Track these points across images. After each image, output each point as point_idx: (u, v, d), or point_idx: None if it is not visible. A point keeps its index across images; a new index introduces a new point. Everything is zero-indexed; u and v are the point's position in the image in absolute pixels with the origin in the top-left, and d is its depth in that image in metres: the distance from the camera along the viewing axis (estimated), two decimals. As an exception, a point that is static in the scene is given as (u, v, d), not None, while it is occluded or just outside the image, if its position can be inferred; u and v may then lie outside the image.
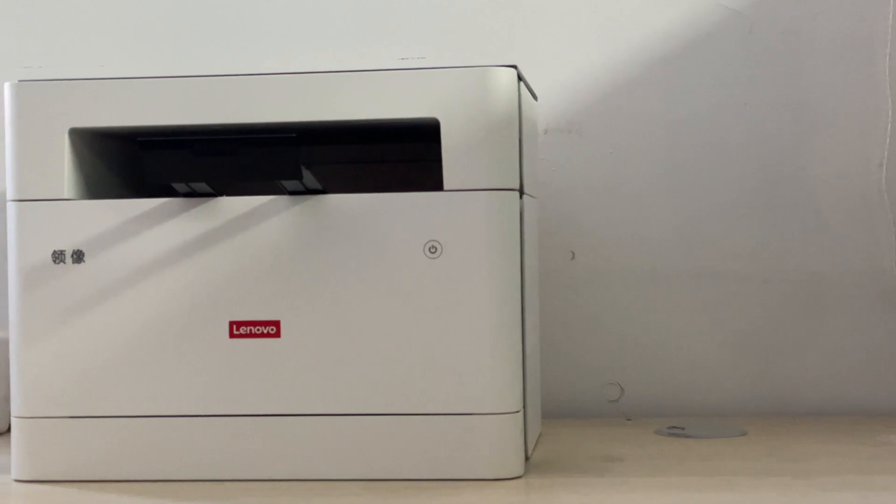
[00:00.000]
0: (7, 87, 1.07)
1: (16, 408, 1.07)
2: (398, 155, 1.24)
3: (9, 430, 1.19)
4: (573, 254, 1.39)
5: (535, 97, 1.21)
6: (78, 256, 1.06)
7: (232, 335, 1.04)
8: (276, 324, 1.04)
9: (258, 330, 1.04)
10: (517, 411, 1.05)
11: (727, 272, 1.38)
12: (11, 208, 1.07)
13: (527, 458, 1.09)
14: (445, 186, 1.03)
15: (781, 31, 1.38)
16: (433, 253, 1.03)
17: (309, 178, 1.03)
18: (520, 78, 1.06)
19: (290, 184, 1.04)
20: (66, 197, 1.06)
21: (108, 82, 1.06)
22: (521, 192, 1.07)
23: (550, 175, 1.38)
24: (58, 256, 1.06)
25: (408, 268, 1.03)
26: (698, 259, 1.38)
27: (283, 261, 1.04)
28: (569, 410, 1.37)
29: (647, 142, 1.39)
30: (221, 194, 1.05)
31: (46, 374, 1.06)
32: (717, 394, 1.38)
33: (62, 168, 1.06)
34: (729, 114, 1.38)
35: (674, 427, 1.28)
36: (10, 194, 1.07)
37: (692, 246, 1.38)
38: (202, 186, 1.04)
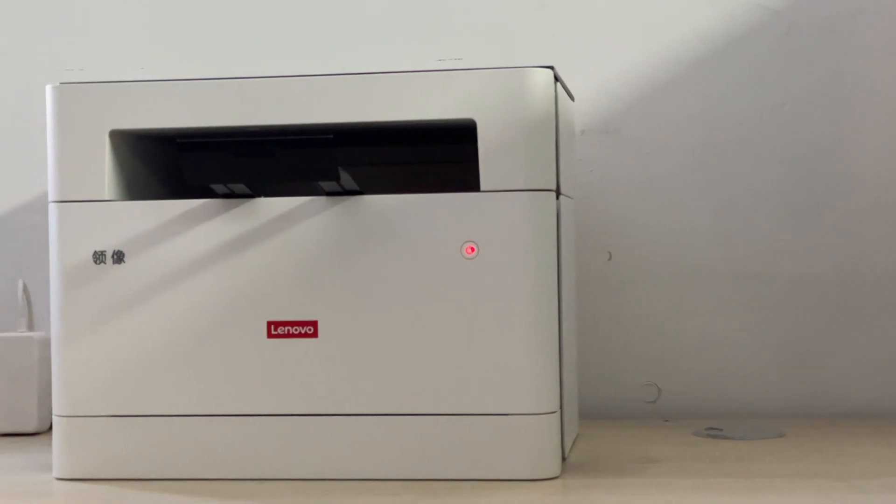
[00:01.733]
0: (49, 89, 1.08)
1: (57, 407, 1.08)
2: (435, 156, 1.24)
3: (50, 428, 1.20)
4: (610, 254, 1.39)
5: (572, 98, 1.21)
6: (118, 257, 1.07)
7: (270, 335, 1.05)
8: (314, 324, 1.05)
9: (296, 330, 1.05)
10: (554, 412, 1.05)
11: (765, 273, 1.37)
12: (53, 209, 1.08)
13: (563, 459, 1.09)
14: (482, 187, 1.03)
15: (820, 30, 1.37)
16: (470, 254, 1.03)
17: (346, 178, 1.04)
18: (556, 79, 1.06)
19: (327, 185, 1.04)
20: (106, 198, 1.07)
21: (147, 84, 1.07)
22: (558, 193, 1.07)
23: (587, 176, 1.38)
24: (98, 257, 1.07)
25: (444, 268, 1.03)
26: (736, 260, 1.38)
27: (321, 261, 1.04)
28: (606, 411, 1.37)
29: (684, 142, 1.39)
30: (259, 195, 1.06)
31: (87, 374, 1.07)
32: (756, 395, 1.37)
33: (103, 169, 1.07)
34: (767, 114, 1.38)
35: (712, 428, 1.28)
36: (51, 195, 1.08)
37: (730, 247, 1.38)
38: (240, 187, 1.05)
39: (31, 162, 1.42)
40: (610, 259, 1.39)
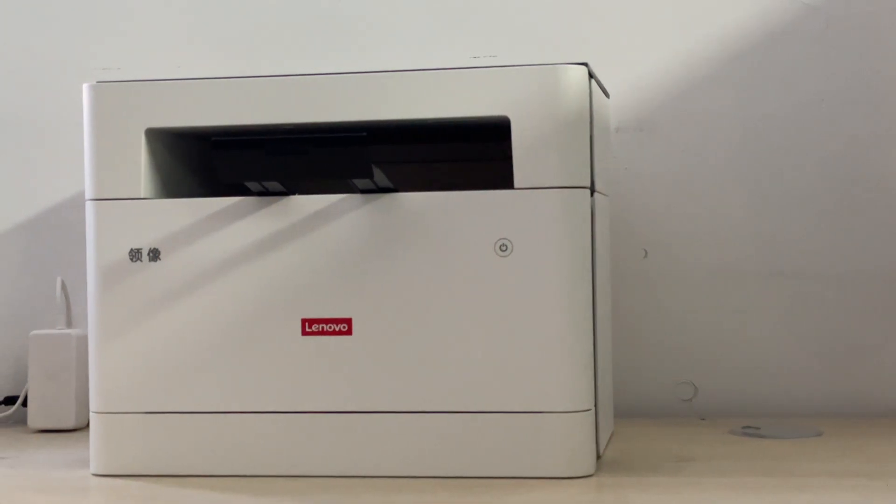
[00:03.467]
0: (86, 88, 1.09)
1: (94, 403, 1.09)
2: (469, 153, 1.24)
3: (88, 425, 1.21)
4: (646, 252, 1.38)
5: (606, 95, 1.21)
6: (154, 254, 1.07)
7: (304, 333, 1.05)
8: (348, 321, 1.05)
9: (330, 327, 1.05)
10: (588, 410, 1.04)
11: (803, 271, 1.36)
12: (90, 207, 1.09)
13: (598, 457, 1.08)
14: (516, 185, 1.03)
15: (858, 26, 1.36)
16: (504, 251, 1.03)
17: (380, 176, 1.04)
18: (591, 76, 1.06)
19: (361, 182, 1.04)
20: (142, 196, 1.08)
21: (183, 83, 1.08)
22: (593, 190, 1.06)
23: (622, 173, 1.38)
24: (135, 255, 1.07)
25: (478, 266, 1.03)
26: (773, 258, 1.37)
27: (355, 259, 1.05)
28: (641, 409, 1.36)
29: (720, 139, 1.38)
30: (294, 193, 1.06)
31: (124, 371, 1.08)
32: (793, 394, 1.36)
33: (139, 168, 1.07)
34: (805, 110, 1.37)
35: (748, 427, 1.27)
36: (88, 193, 1.09)
37: (767, 244, 1.37)
38: (275, 185, 1.06)
39: (68, 161, 1.43)
40: (646, 256, 1.38)
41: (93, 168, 1.08)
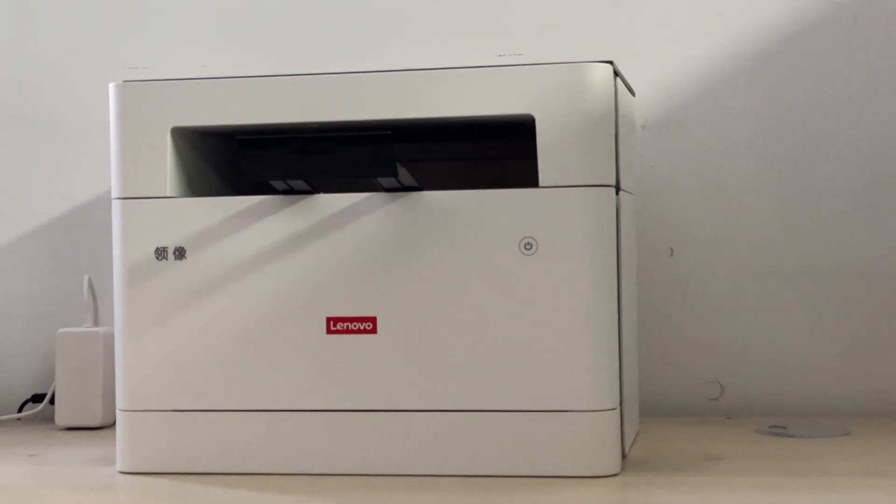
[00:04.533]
0: (112, 87, 1.09)
1: (120, 401, 1.09)
2: (494, 152, 1.24)
3: (114, 423, 1.21)
4: (672, 250, 1.38)
5: (632, 93, 1.21)
6: (180, 253, 1.08)
7: (329, 331, 1.05)
8: (373, 320, 1.05)
9: (355, 326, 1.05)
10: (613, 408, 1.04)
11: (830, 269, 1.35)
12: (116, 206, 1.09)
13: (624, 456, 1.08)
14: (541, 183, 1.03)
15: (886, 22, 1.35)
16: (529, 250, 1.03)
17: (405, 175, 1.04)
18: (616, 73, 1.06)
19: (386, 181, 1.04)
20: (168, 195, 1.08)
21: (208, 82, 1.08)
22: (618, 189, 1.06)
23: (648, 171, 1.37)
24: (160, 253, 1.08)
25: (503, 264, 1.03)
26: (801, 256, 1.36)
27: (380, 257, 1.05)
28: (668, 408, 1.36)
29: (747, 137, 1.37)
30: (319, 191, 1.06)
31: (150, 369, 1.08)
32: (820, 393, 1.35)
33: (165, 166, 1.08)
34: (832, 108, 1.36)
35: (775, 426, 1.26)
36: (114, 192, 1.09)
37: (794, 243, 1.36)
38: (300, 184, 1.06)
39: (95, 160, 1.43)
40: (671, 255, 1.38)
41: (119, 167, 1.09)
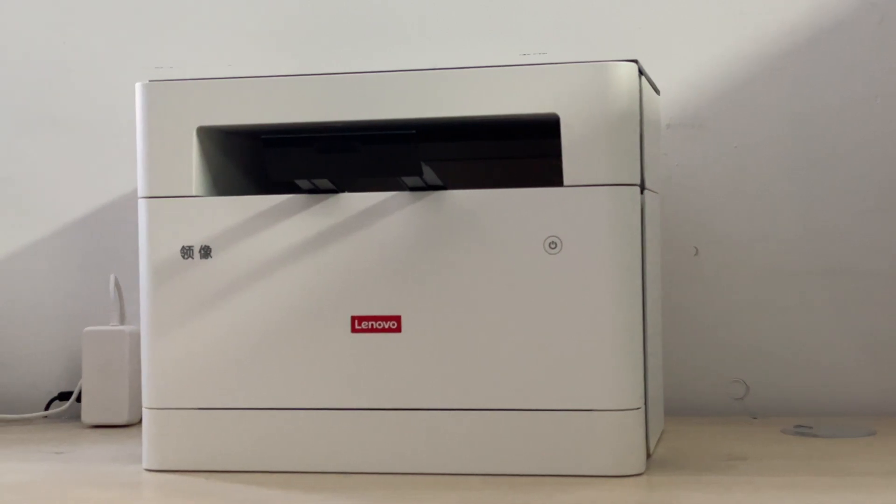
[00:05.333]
0: (138, 87, 1.10)
1: (146, 399, 1.10)
2: (518, 151, 1.24)
3: (141, 420, 1.22)
4: (696, 249, 1.37)
5: (657, 91, 1.20)
6: (205, 252, 1.08)
7: (354, 330, 1.06)
8: (398, 319, 1.05)
9: (379, 325, 1.05)
10: (638, 408, 1.04)
11: (856, 269, 1.35)
12: (142, 205, 1.10)
13: (648, 456, 1.08)
14: (565, 182, 1.03)
15: (913, 20, 1.34)
16: (553, 249, 1.03)
17: (429, 174, 1.04)
18: (641, 72, 1.05)
19: (410, 180, 1.05)
20: (193, 194, 1.08)
21: (234, 81, 1.08)
22: (643, 188, 1.06)
23: (673, 170, 1.37)
24: (186, 252, 1.08)
25: (527, 263, 1.03)
26: (826, 255, 1.35)
27: (404, 256, 1.05)
28: (692, 408, 1.36)
29: (773, 136, 1.37)
30: (343, 190, 1.07)
31: (175, 367, 1.09)
32: (846, 392, 1.35)
33: (190, 166, 1.08)
34: (859, 107, 1.35)
35: (801, 426, 1.26)
36: (141, 191, 1.10)
37: (820, 242, 1.36)
38: (324, 183, 1.06)
39: (122, 159, 1.44)
40: (696, 254, 1.37)
41: (145, 166, 1.09)
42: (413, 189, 1.06)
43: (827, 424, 1.27)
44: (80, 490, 1.04)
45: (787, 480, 1.02)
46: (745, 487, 0.99)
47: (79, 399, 1.40)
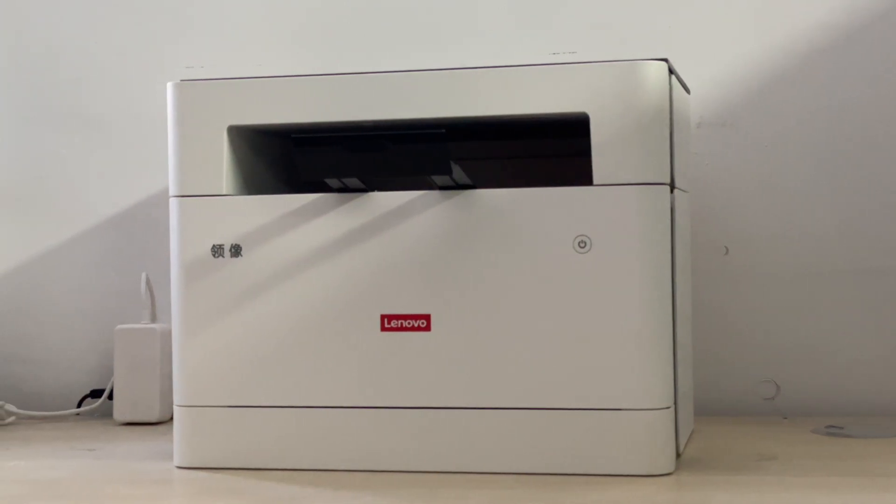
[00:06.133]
0: (170, 86, 1.10)
1: (178, 397, 1.11)
2: (547, 150, 1.24)
3: (172, 418, 1.22)
4: (727, 248, 1.37)
5: (687, 90, 1.20)
6: (236, 250, 1.09)
7: (383, 328, 1.06)
8: (427, 317, 1.05)
9: (409, 323, 1.05)
10: (668, 407, 1.04)
11: (888, 268, 1.34)
12: (173, 204, 1.10)
13: (678, 455, 1.08)
14: (595, 181, 1.03)
15: (947, 18, 1.33)
16: (583, 248, 1.03)
17: (459, 173, 1.04)
18: (671, 71, 1.05)
19: (440, 179, 1.05)
20: (224, 193, 1.09)
21: (264, 81, 1.09)
22: (672, 187, 1.05)
23: (704, 169, 1.36)
24: (217, 250, 1.09)
25: (557, 262, 1.03)
26: (858, 255, 1.35)
27: (434, 255, 1.05)
28: (723, 408, 1.35)
29: (805, 135, 1.36)
30: (373, 189, 1.07)
31: (206, 365, 1.09)
32: (878, 393, 1.34)
33: (221, 165, 1.09)
34: (892, 104, 1.34)
35: (832, 426, 1.25)
36: (172, 190, 1.10)
37: (852, 242, 1.35)
38: (354, 182, 1.06)
39: (153, 158, 1.45)
40: (727, 253, 1.37)
41: (176, 165, 1.10)
42: (442, 188, 1.06)
43: (858, 425, 1.26)
44: (113, 487, 1.05)
45: (818, 481, 1.01)
46: (775, 487, 0.99)
47: (110, 397, 1.41)
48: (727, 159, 1.37)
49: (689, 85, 1.22)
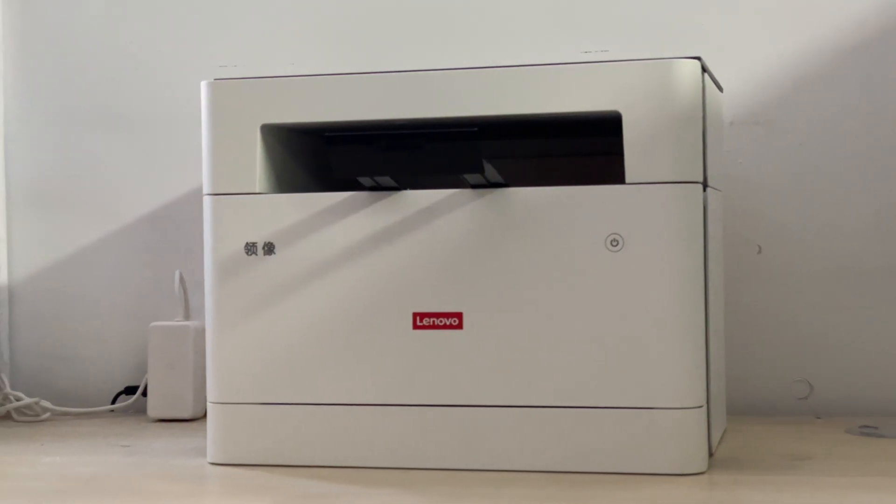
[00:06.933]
0: (204, 85, 1.11)
1: (211, 394, 1.11)
2: (580, 148, 1.24)
3: (205, 415, 1.23)
4: (760, 247, 1.36)
5: (720, 88, 1.20)
6: (269, 248, 1.09)
7: (415, 326, 1.06)
8: (459, 316, 1.05)
9: (441, 322, 1.06)
10: (700, 406, 1.03)
11: (923, 267, 1.33)
12: (207, 202, 1.11)
13: (710, 454, 1.07)
14: (627, 179, 1.02)
15: (983, 15, 1.32)
16: (615, 246, 1.03)
17: (491, 171, 1.04)
18: (704, 69, 1.05)
19: (472, 177, 1.05)
20: (257, 191, 1.09)
21: (297, 80, 1.09)
22: (705, 185, 1.05)
23: (737, 168, 1.36)
24: (250, 248, 1.09)
25: (589, 261, 1.03)
26: (892, 253, 1.34)
27: (466, 253, 1.05)
28: (755, 407, 1.35)
29: (839, 133, 1.35)
30: (405, 188, 1.07)
31: (240, 362, 1.10)
32: (913, 393, 1.33)
33: (254, 163, 1.09)
34: (926, 103, 1.33)
35: (866, 426, 1.25)
36: (205, 188, 1.11)
37: (886, 240, 1.34)
38: (387, 180, 1.07)
39: (187, 156, 1.46)
40: (760, 252, 1.36)
41: (210, 164, 1.10)
42: (475, 186, 1.06)
43: (892, 425, 1.25)
44: (147, 483, 1.06)
45: (852, 481, 1.01)
46: (808, 487, 0.99)
47: (144, 393, 1.41)
48: (760, 158, 1.36)
49: (722, 83, 1.22)
